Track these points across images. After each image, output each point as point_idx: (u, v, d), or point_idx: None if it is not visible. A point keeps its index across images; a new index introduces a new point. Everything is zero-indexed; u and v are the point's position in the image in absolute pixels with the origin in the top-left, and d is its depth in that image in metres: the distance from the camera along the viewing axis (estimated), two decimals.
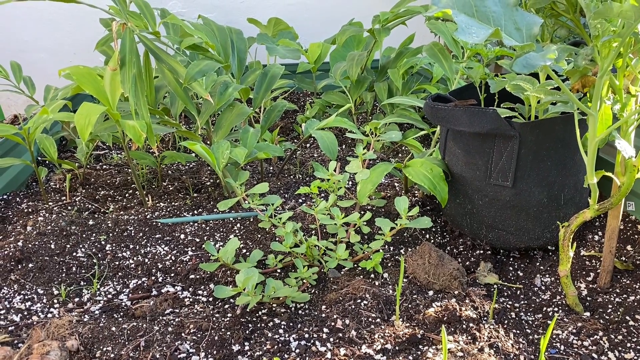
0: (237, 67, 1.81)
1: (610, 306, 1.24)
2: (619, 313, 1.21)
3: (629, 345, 1.12)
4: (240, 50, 1.83)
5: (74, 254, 1.45)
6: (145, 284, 1.37)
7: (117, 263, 1.44)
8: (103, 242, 1.51)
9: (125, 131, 1.46)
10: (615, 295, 1.27)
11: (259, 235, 1.52)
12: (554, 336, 1.16)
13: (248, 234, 1.54)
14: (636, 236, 1.44)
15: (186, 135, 1.69)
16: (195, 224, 1.61)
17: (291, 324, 1.20)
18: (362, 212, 1.53)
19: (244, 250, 1.47)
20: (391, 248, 1.47)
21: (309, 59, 2.61)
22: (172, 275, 1.40)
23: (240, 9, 3.13)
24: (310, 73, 2.75)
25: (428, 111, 1.41)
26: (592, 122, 1.07)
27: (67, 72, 1.56)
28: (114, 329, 1.15)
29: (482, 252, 1.48)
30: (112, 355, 1.08)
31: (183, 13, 3.12)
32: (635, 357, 1.09)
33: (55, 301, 1.29)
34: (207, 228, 1.59)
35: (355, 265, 1.38)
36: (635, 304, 1.23)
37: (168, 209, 1.73)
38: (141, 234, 1.56)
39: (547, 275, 1.39)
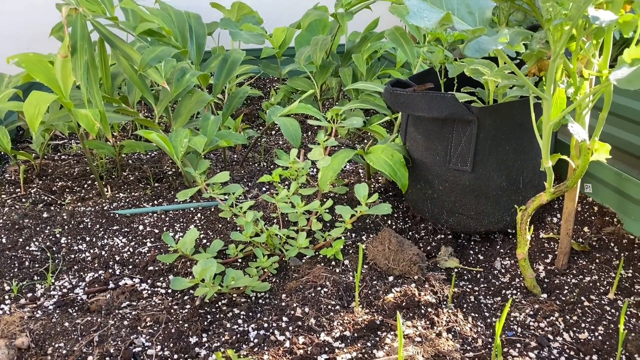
0: (195, 53, 1.77)
1: (566, 287, 1.25)
2: (574, 294, 1.23)
3: (583, 325, 1.14)
4: (198, 36, 1.79)
5: (27, 247, 1.41)
6: (102, 277, 1.34)
7: (72, 256, 1.40)
8: (58, 235, 1.47)
9: (77, 120, 1.42)
10: (571, 276, 1.29)
11: (220, 225, 1.50)
12: (512, 318, 1.18)
13: (209, 223, 1.52)
14: (593, 218, 1.46)
15: (144, 124, 1.65)
16: (155, 214, 1.58)
17: (251, 314, 1.18)
18: (324, 200, 1.52)
19: (205, 241, 1.45)
20: (353, 235, 1.47)
21: (273, 44, 2.57)
22: (130, 267, 1.37)
23: None
24: (276, 58, 2.71)
25: (387, 97, 1.40)
26: (546, 106, 1.07)
27: (16, 59, 1.50)
28: (67, 324, 1.12)
29: (443, 236, 1.49)
30: (64, 352, 1.05)
31: None
32: (589, 337, 1.11)
33: (7, 297, 1.25)
34: (167, 219, 1.56)
35: (317, 253, 1.37)
36: (590, 284, 1.25)
37: (127, 200, 1.69)
38: (98, 226, 1.52)
39: (507, 258, 1.41)
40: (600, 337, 1.10)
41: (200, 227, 1.51)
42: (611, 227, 1.41)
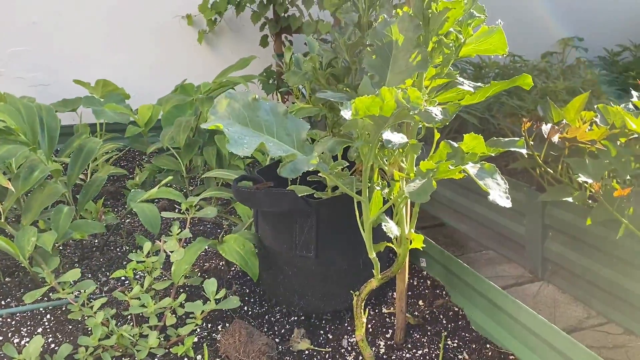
0: (47, 146, 1.75)
1: None
2: None
3: None
4: (50, 129, 1.78)
5: None
6: None
7: None
8: None
9: None
10: (406, 350, 1.43)
11: (71, 327, 1.48)
12: None
13: (59, 325, 1.49)
14: (426, 291, 1.64)
15: None
16: (0, 318, 1.52)
17: None
18: (180, 291, 1.56)
19: (53, 345, 1.42)
20: (209, 325, 1.51)
21: (139, 122, 2.59)
22: None
23: (67, 68, 3.01)
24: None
25: (234, 193, 1.49)
26: (364, 207, 1.22)
27: None
28: None
29: (296, 318, 1.58)
30: None
31: (2, 72, 2.93)
32: None
33: None
34: (13, 322, 1.50)
35: (169, 350, 1.39)
36: (422, 358, 1.39)
37: None
38: None
39: (353, 335, 1.52)
40: None
41: (49, 330, 1.47)
42: (441, 300, 1.59)
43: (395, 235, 1.22)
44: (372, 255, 1.28)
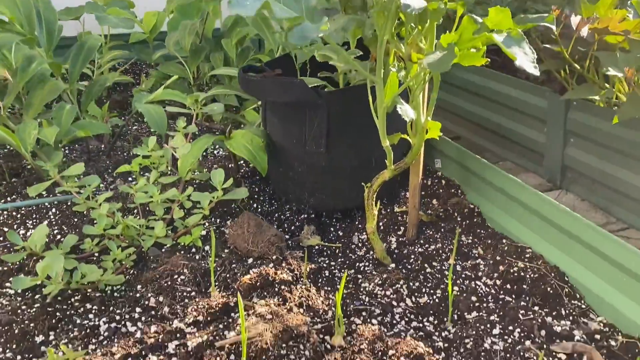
0: (45, 40, 1.67)
1: (412, 256, 1.35)
2: (419, 262, 1.33)
3: (423, 290, 1.24)
4: (49, 22, 1.69)
5: None
6: None
7: None
8: None
9: None
10: (419, 245, 1.40)
11: (76, 220, 1.45)
12: (362, 289, 1.25)
13: (64, 218, 1.47)
14: (441, 190, 1.58)
15: None
16: (5, 212, 1.50)
17: (103, 308, 1.17)
18: (187, 186, 1.52)
19: (59, 237, 1.40)
20: (218, 220, 1.48)
21: (143, 29, 2.48)
22: None
23: None
24: (149, 43, 2.62)
25: (241, 82, 1.41)
26: (378, 89, 1.14)
27: None
28: None
29: (306, 216, 1.54)
30: None
31: None
32: (429, 300, 1.21)
33: None
34: (19, 216, 1.48)
35: (177, 242, 1.37)
36: (434, 252, 1.36)
37: None
38: None
39: (364, 233, 1.48)
40: (437, 300, 1.21)
41: (55, 223, 1.45)
42: (456, 199, 1.53)
43: (411, 118, 1.15)
44: (386, 143, 1.21)
